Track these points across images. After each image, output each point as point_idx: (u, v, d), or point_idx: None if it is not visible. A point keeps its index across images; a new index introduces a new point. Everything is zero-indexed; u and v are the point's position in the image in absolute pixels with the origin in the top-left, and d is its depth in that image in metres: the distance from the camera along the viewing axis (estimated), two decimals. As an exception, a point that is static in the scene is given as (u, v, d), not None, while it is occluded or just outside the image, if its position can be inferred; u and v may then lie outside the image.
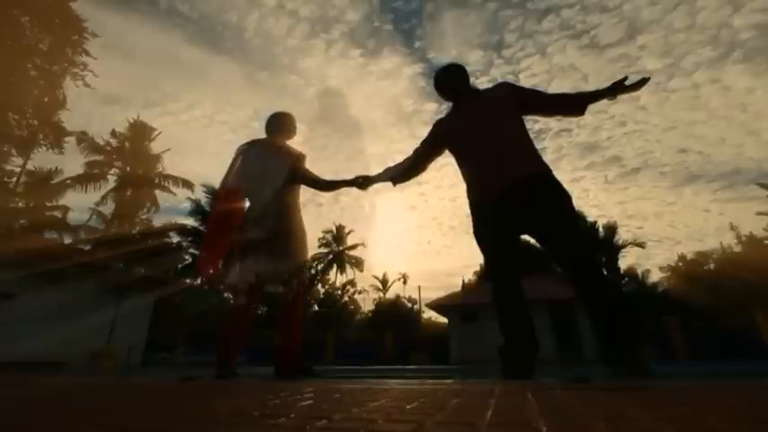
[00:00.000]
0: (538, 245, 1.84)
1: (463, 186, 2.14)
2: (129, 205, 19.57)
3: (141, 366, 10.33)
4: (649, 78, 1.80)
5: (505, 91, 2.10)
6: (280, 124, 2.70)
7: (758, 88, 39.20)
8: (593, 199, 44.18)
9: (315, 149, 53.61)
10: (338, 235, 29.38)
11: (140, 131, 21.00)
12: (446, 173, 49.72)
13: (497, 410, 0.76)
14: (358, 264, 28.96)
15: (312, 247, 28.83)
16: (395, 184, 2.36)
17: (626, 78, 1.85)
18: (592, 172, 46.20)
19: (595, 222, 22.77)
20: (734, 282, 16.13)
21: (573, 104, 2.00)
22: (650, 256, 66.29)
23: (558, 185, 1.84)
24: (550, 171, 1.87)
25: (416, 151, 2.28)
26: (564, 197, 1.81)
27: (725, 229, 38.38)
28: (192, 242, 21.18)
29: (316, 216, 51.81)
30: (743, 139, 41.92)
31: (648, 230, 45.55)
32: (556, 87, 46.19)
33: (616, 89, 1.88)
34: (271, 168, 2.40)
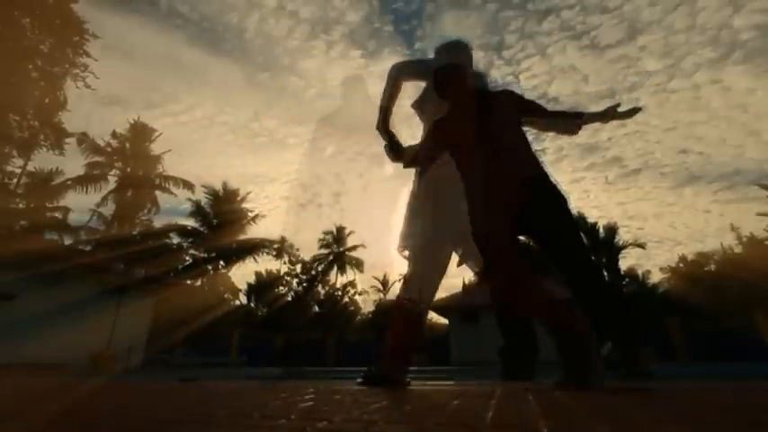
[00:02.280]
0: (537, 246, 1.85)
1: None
2: (129, 206, 19.58)
3: (141, 367, 10.32)
4: (641, 109, 1.87)
5: (506, 96, 2.15)
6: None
7: (759, 89, 39.11)
8: (593, 200, 44.02)
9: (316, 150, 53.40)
10: (338, 236, 29.37)
11: (141, 132, 21.02)
12: (446, 174, 49.67)
13: (498, 412, 0.76)
14: (358, 265, 28.94)
15: (312, 249, 28.87)
16: (405, 166, 2.33)
17: (618, 105, 1.94)
18: (592, 173, 46.10)
19: (596, 223, 22.74)
20: (734, 282, 16.09)
21: (566, 123, 2.08)
22: (651, 257, 66.12)
23: (554, 187, 1.86)
24: (548, 173, 1.90)
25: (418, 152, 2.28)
26: (560, 199, 1.83)
27: (726, 230, 38.29)
28: (192, 243, 21.20)
29: (315, 216, 51.74)
30: (743, 140, 41.82)
31: (649, 231, 45.38)
32: (556, 88, 46.08)
33: (608, 114, 1.96)
34: None
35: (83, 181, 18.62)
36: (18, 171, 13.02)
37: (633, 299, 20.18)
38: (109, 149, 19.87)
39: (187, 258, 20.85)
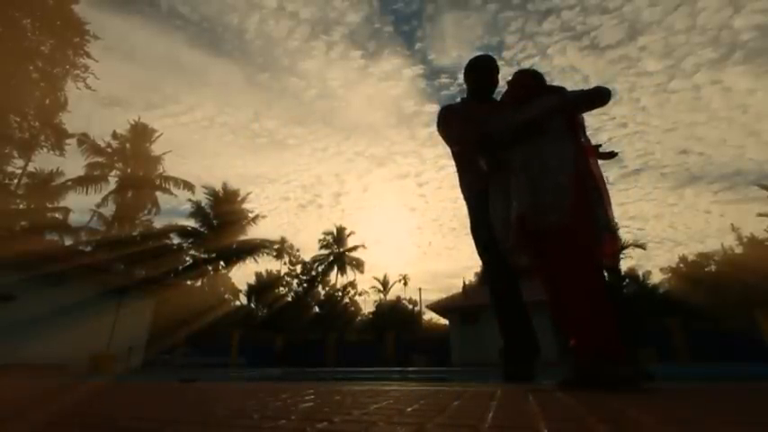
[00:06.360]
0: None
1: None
2: (129, 207, 19.57)
3: (141, 368, 10.31)
4: (617, 154, 1.90)
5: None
6: None
7: (759, 89, 39.12)
8: (594, 200, 43.97)
9: (316, 150, 53.56)
10: (339, 237, 29.36)
11: (141, 133, 21.02)
12: (447, 174, 49.72)
13: (498, 413, 0.76)
14: (358, 265, 28.93)
15: (312, 249, 28.85)
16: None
17: (600, 146, 1.95)
18: (592, 173, 46.03)
19: (596, 224, 22.62)
20: (735, 283, 16.05)
21: None
22: (651, 258, 65.99)
23: None
24: None
25: None
26: None
27: (726, 231, 38.28)
28: (192, 243, 21.19)
29: (316, 217, 51.80)
30: (744, 141, 41.80)
31: (649, 232, 45.38)
32: (556, 89, 45.94)
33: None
34: None
35: (83, 181, 18.62)
36: (18, 172, 13.07)
37: (634, 299, 20.15)
38: (109, 150, 19.87)
39: (187, 259, 20.85)
